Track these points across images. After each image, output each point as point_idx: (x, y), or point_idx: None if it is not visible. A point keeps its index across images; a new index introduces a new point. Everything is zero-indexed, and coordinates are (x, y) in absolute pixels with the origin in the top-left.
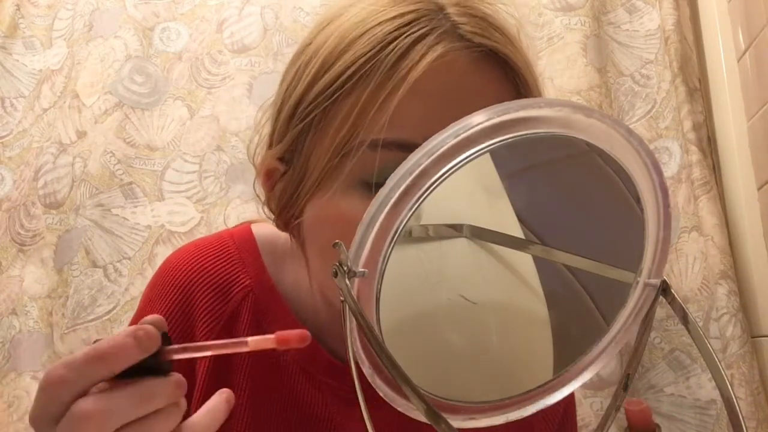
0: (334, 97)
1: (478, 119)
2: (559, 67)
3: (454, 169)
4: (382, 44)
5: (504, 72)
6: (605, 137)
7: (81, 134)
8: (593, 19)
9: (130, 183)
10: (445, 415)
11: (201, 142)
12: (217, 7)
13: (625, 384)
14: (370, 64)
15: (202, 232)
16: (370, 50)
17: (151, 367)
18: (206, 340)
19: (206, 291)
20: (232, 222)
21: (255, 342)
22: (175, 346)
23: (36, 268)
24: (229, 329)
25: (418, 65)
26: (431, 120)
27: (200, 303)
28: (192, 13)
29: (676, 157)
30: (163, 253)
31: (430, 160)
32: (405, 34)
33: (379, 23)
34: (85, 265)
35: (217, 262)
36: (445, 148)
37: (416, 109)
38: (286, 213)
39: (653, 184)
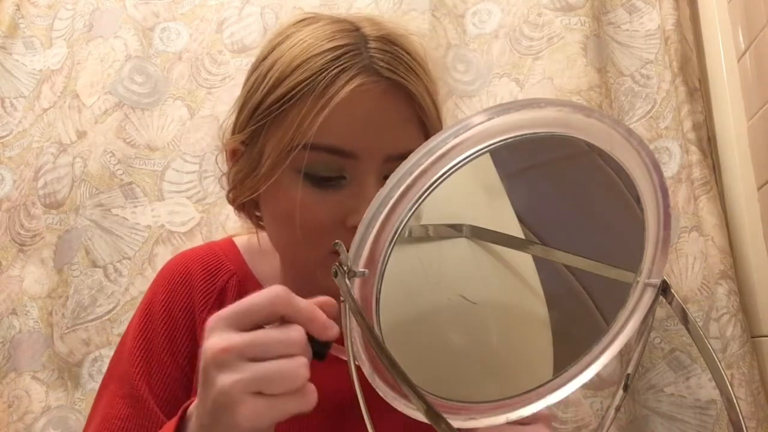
0: (281, 109)
1: (478, 119)
2: (559, 67)
3: (454, 169)
4: (317, 72)
5: (407, 99)
6: (605, 137)
7: (81, 134)
8: (593, 19)
9: (130, 183)
10: (445, 415)
11: (201, 142)
12: (217, 7)
13: (625, 384)
14: (308, 87)
15: (202, 232)
16: (309, 76)
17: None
18: (204, 308)
19: (200, 274)
20: (232, 222)
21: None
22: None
23: (36, 268)
24: (220, 301)
25: (341, 92)
26: (351, 131)
27: (197, 283)
28: (192, 13)
29: (676, 157)
30: (163, 253)
31: (430, 159)
32: (333, 67)
33: (319, 53)
34: (85, 265)
35: (207, 257)
36: (445, 148)
37: (340, 123)
38: (237, 190)
39: (653, 184)
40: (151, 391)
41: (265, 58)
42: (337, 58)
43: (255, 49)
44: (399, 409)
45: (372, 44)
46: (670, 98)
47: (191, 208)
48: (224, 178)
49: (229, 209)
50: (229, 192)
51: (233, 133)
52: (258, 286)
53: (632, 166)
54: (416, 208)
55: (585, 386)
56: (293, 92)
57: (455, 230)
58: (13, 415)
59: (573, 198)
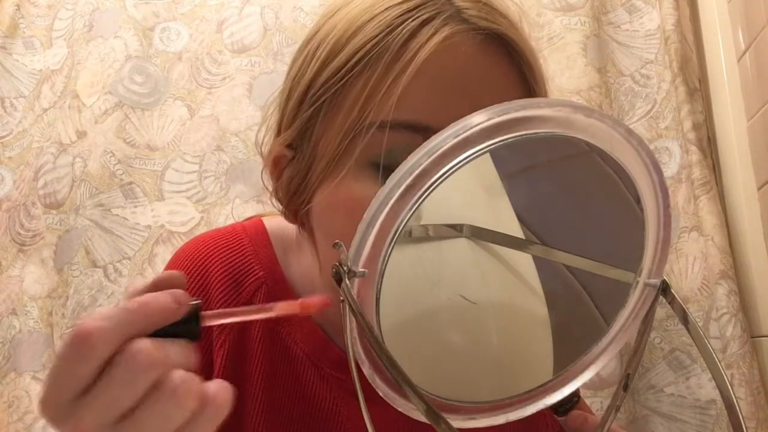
0: (344, 81)
1: (478, 119)
2: (559, 67)
3: (454, 169)
4: (390, 27)
5: (509, 55)
6: (605, 137)
7: (81, 134)
8: (593, 19)
9: (130, 183)
10: (445, 415)
11: (201, 142)
12: (217, 7)
13: (625, 384)
14: (379, 47)
15: (202, 233)
16: (378, 34)
17: (179, 333)
18: (222, 331)
19: (221, 279)
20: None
21: (281, 308)
22: (209, 312)
23: (36, 268)
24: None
25: (424, 47)
26: (438, 101)
27: (216, 290)
28: (192, 13)
29: (676, 157)
30: (163, 253)
31: (430, 160)
32: (412, 18)
33: (387, 8)
34: (85, 265)
35: (232, 253)
36: (445, 148)
37: (424, 90)
38: (295, 201)
39: (653, 184)
40: None
41: (311, 39)
42: (414, 8)
43: (255, 49)
44: (399, 409)
45: None
46: (670, 98)
47: (191, 208)
48: (274, 200)
49: (229, 210)
50: (284, 210)
51: (276, 136)
52: (291, 296)
53: (632, 166)
54: (416, 208)
55: (585, 386)
56: (357, 57)
57: (455, 230)
58: (13, 415)
59: (573, 198)
